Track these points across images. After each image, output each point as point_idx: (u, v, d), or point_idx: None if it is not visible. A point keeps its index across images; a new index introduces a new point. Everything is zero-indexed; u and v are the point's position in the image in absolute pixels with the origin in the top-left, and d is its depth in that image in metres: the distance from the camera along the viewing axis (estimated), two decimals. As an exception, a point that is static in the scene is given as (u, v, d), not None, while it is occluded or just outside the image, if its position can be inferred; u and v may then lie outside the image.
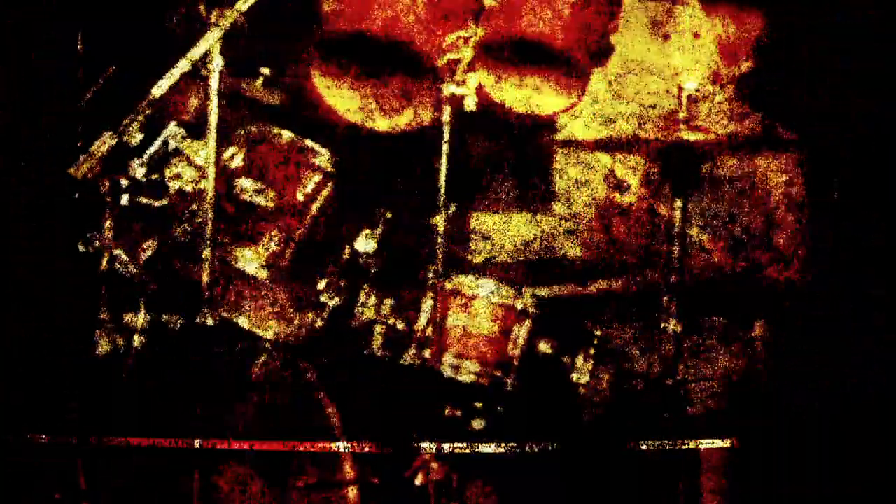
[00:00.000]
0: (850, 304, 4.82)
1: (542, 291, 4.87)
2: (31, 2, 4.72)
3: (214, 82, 4.33)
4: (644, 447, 4.37)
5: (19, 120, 4.74)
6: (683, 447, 4.39)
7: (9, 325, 4.58)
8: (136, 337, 4.48)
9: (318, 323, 4.63)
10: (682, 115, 4.30)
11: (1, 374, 4.48)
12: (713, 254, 5.06)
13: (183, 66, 4.27)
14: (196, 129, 4.49)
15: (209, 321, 4.37)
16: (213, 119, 4.37)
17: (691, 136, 4.32)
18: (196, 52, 4.29)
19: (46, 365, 4.50)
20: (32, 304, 4.60)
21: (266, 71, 4.81)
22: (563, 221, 5.17)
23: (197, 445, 4.34)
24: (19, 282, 4.65)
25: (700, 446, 4.41)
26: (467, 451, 4.43)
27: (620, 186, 5.02)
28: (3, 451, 4.32)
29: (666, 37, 5.03)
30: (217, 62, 4.33)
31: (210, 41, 4.29)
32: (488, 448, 4.44)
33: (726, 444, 4.42)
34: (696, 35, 4.94)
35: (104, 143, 4.30)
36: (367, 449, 4.39)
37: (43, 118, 4.74)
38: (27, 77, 4.74)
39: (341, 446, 4.39)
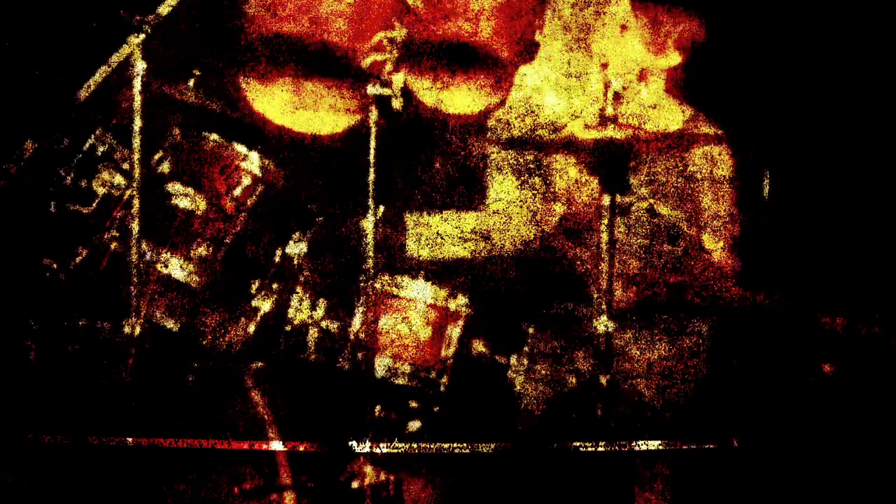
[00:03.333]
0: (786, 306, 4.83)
1: (475, 291, 4.86)
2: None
3: (137, 87, 4.30)
4: (581, 447, 4.37)
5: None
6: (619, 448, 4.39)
7: None
8: (68, 344, 4.45)
9: (251, 327, 4.60)
10: (609, 112, 4.30)
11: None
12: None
13: (105, 71, 4.24)
14: (125, 134, 4.45)
15: (138, 328, 4.33)
16: (137, 123, 4.33)
17: (618, 133, 4.31)
18: (118, 57, 4.26)
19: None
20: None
21: (197, 71, 4.77)
22: (496, 219, 5.16)
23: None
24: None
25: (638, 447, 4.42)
26: (403, 453, 4.41)
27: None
28: (3, 451, 4.29)
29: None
30: (139, 67, 4.29)
31: (131, 46, 4.26)
32: (424, 449, 4.43)
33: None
34: (624, 27, 4.93)
35: (27, 149, 4.27)
36: (302, 448, 4.37)
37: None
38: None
39: (277, 445, 4.37)
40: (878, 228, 4.92)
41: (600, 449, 4.32)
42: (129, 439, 4.27)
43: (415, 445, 4.42)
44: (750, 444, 4.44)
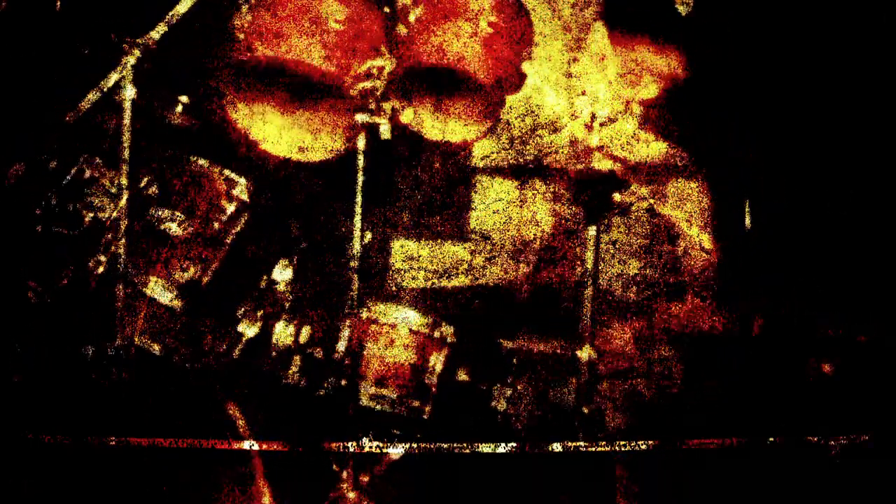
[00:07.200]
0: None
1: (459, 319, 4.88)
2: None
3: (127, 111, 4.33)
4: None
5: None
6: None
7: None
8: (54, 365, 4.46)
9: (236, 352, 4.60)
10: (592, 143, 4.34)
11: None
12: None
13: (94, 95, 4.27)
14: (113, 158, 4.46)
15: (122, 351, 4.35)
16: (125, 147, 4.36)
17: (601, 164, 4.35)
18: (108, 82, 4.29)
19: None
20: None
21: (184, 98, 4.79)
22: (482, 247, 5.18)
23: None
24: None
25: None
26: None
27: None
28: (3, 451, 4.28)
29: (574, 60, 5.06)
30: (129, 91, 4.32)
31: (122, 71, 4.28)
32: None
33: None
34: (603, 58, 4.95)
35: (15, 171, 4.28)
36: (279, 451, 4.37)
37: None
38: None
39: (255, 447, 4.37)
40: (878, 231, 4.93)
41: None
42: (130, 440, 4.28)
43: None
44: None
